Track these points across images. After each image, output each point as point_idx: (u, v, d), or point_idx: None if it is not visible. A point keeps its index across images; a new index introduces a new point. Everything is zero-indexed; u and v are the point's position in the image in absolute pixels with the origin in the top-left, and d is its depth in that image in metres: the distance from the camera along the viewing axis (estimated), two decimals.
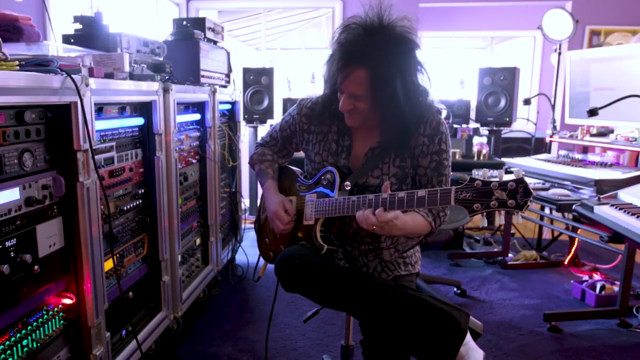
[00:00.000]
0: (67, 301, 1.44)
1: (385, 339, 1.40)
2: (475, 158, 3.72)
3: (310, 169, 1.63)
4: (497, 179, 1.19)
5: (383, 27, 1.37)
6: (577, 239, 3.21)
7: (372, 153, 1.51)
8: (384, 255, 1.54)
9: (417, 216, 1.42)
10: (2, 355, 1.21)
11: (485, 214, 1.20)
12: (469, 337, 1.32)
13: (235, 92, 3.11)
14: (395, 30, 1.37)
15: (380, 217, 1.29)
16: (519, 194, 1.16)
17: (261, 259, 1.76)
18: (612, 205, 1.99)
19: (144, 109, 1.90)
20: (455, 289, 2.87)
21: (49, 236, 1.35)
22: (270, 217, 1.61)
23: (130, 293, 1.86)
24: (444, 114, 3.93)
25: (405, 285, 1.44)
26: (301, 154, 1.72)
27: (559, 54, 3.64)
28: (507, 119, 3.87)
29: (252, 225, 1.86)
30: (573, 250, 3.30)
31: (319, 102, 1.57)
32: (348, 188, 1.48)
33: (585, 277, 2.93)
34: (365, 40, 1.36)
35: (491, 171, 1.22)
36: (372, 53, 1.35)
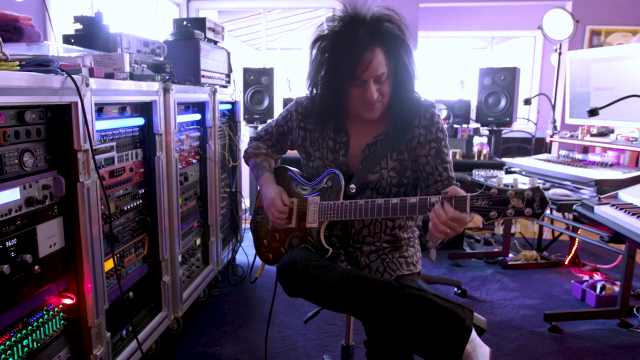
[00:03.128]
0: (68, 301, 1.44)
1: (390, 339, 1.39)
2: (476, 158, 3.72)
3: (309, 169, 1.62)
4: (512, 189, 1.19)
5: (368, 13, 1.41)
6: (577, 239, 3.21)
7: (370, 150, 1.51)
8: (386, 258, 1.54)
9: None
10: (3, 356, 1.21)
11: (502, 221, 1.20)
12: (474, 334, 1.32)
13: (235, 92, 3.11)
14: (379, 11, 1.42)
15: (450, 213, 1.22)
16: (535, 202, 1.17)
17: (258, 260, 1.74)
18: (612, 205, 1.98)
19: (144, 109, 1.90)
20: (455, 289, 2.87)
21: (49, 236, 1.35)
22: (267, 205, 1.59)
23: (131, 293, 1.86)
24: (444, 114, 3.93)
25: (408, 284, 1.44)
26: (295, 153, 1.70)
27: (560, 54, 3.63)
28: (508, 119, 3.86)
29: None
30: (573, 250, 3.30)
31: (314, 104, 1.57)
32: (353, 191, 1.47)
33: (586, 277, 2.93)
34: (362, 23, 1.39)
35: (505, 180, 1.21)
36: (377, 30, 1.39)
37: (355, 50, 1.36)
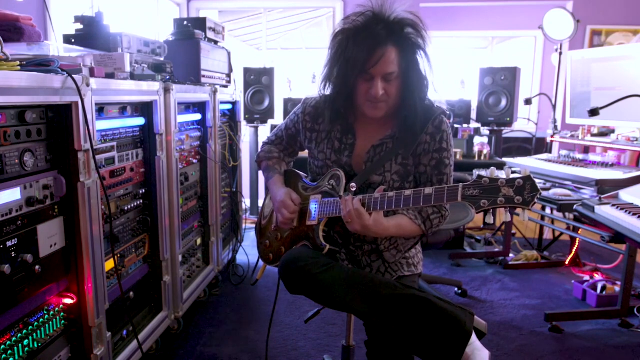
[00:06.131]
0: (68, 301, 1.44)
1: (390, 339, 1.39)
2: (476, 158, 3.72)
3: (314, 168, 1.63)
4: (504, 177, 1.20)
5: (390, 13, 1.41)
6: (578, 239, 3.21)
7: (375, 151, 1.51)
8: (386, 257, 1.54)
9: (403, 220, 1.43)
10: (3, 355, 1.21)
11: (491, 210, 1.21)
12: (474, 337, 1.32)
13: (236, 92, 3.11)
14: (402, 13, 1.42)
15: (360, 212, 1.33)
16: (525, 190, 1.17)
17: (260, 261, 1.75)
18: (613, 205, 1.98)
19: (144, 109, 1.91)
20: (456, 289, 2.87)
21: (50, 236, 1.35)
22: (277, 206, 1.60)
23: (131, 293, 1.86)
24: None
25: (409, 285, 1.44)
26: (305, 154, 1.72)
27: (560, 54, 3.63)
28: (508, 119, 3.86)
29: (253, 225, 1.85)
30: (574, 250, 3.29)
31: (323, 102, 1.57)
32: (354, 190, 1.48)
33: (587, 277, 2.93)
34: (383, 21, 1.40)
35: (498, 171, 1.23)
36: (396, 31, 1.39)
37: (369, 43, 1.37)
